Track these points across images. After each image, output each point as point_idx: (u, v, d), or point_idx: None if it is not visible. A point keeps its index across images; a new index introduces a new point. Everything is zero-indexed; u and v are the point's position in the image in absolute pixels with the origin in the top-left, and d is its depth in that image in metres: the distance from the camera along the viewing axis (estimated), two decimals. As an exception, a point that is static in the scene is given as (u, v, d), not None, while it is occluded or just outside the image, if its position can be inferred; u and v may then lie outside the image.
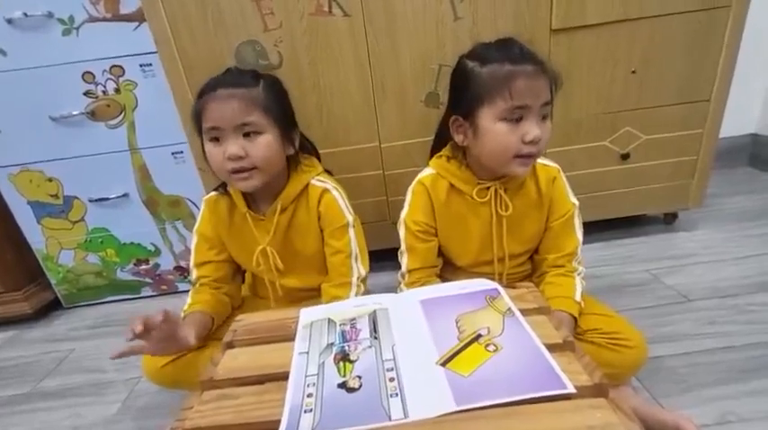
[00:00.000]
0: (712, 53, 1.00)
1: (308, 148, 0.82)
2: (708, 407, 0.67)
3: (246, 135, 0.66)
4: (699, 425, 0.61)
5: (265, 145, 0.67)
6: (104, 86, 1.01)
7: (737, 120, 1.47)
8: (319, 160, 0.82)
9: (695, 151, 1.10)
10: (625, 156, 1.10)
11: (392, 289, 0.61)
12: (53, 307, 1.25)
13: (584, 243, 0.74)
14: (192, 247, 0.79)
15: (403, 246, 0.75)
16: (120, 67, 0.99)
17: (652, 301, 0.94)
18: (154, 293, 1.26)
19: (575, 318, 0.66)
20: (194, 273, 0.78)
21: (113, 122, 1.04)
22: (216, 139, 0.67)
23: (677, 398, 0.69)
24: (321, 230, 0.77)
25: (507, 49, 0.62)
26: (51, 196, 1.11)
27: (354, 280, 0.75)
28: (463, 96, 0.64)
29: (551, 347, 0.42)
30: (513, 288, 0.54)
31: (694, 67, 1.01)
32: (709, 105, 1.05)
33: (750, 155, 1.60)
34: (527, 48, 0.62)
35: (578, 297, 0.69)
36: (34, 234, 1.15)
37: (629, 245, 1.18)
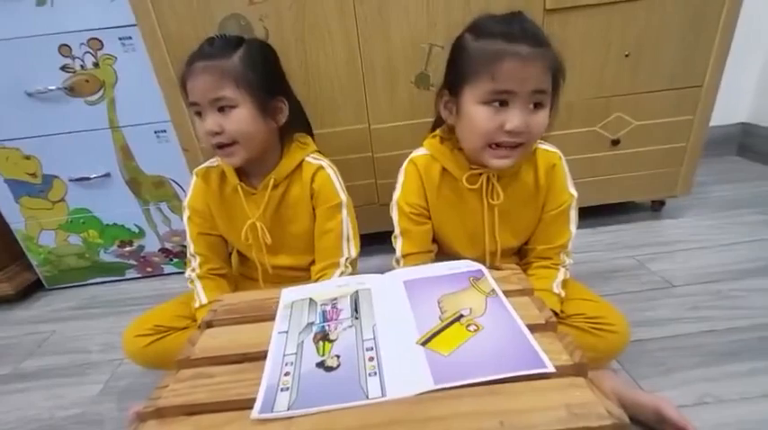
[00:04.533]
0: (707, 38, 0.99)
1: (303, 125, 0.80)
2: (686, 388, 0.68)
3: (222, 109, 0.64)
4: (677, 405, 0.62)
5: (239, 119, 0.65)
6: (82, 60, 0.96)
7: (727, 109, 1.47)
8: (313, 138, 0.80)
9: (685, 138, 1.10)
10: (615, 142, 1.09)
11: (382, 272, 0.60)
12: (35, 288, 1.23)
13: (570, 228, 0.73)
14: (185, 221, 0.77)
15: (397, 230, 0.72)
16: (99, 40, 0.95)
17: (636, 287, 0.95)
18: (139, 275, 1.24)
19: (555, 312, 0.63)
20: (191, 247, 0.76)
21: (92, 98, 1.00)
22: (199, 114, 0.66)
23: (656, 380, 0.70)
24: (314, 209, 0.75)
25: (507, 24, 0.56)
26: (29, 175, 1.07)
27: (343, 260, 0.74)
28: (453, 70, 0.61)
29: (533, 328, 0.41)
30: (498, 269, 0.53)
31: (688, 51, 1.00)
32: (701, 91, 1.04)
33: (739, 144, 1.61)
34: (533, 26, 0.56)
35: (557, 288, 0.66)
36: (13, 213, 1.11)
37: (615, 231, 1.19)
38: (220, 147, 0.66)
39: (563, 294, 0.67)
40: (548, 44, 0.56)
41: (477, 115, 0.57)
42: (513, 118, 0.55)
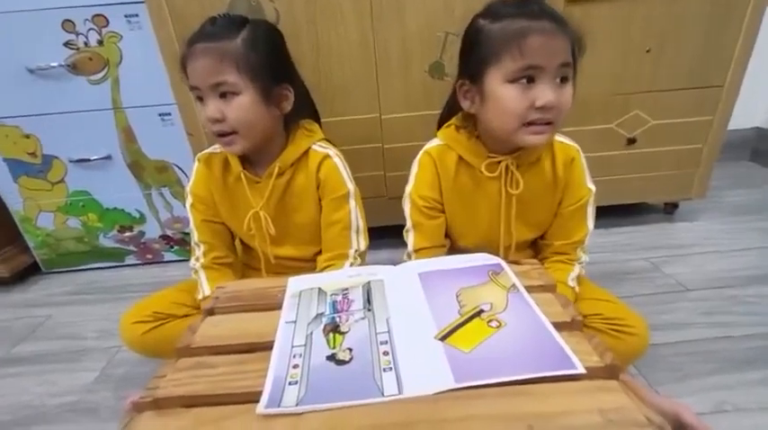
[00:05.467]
0: (730, 37, 0.96)
1: (310, 112, 0.76)
2: (704, 395, 0.66)
3: (223, 95, 0.61)
4: (694, 413, 0.59)
5: (240, 107, 0.61)
6: (86, 37, 0.93)
7: (743, 113, 1.43)
8: (320, 125, 0.77)
9: (702, 139, 1.07)
10: (631, 141, 1.06)
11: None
12: (31, 271, 1.20)
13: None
14: (188, 208, 0.74)
15: (409, 223, 0.70)
16: (104, 16, 0.92)
17: (651, 289, 0.92)
18: (138, 262, 1.21)
19: None
20: (195, 235, 0.73)
21: (96, 77, 0.97)
22: (200, 98, 0.63)
23: (673, 386, 0.68)
24: (320, 199, 0.72)
25: (523, 6, 0.55)
26: (29, 154, 1.04)
27: (352, 252, 0.71)
28: (471, 57, 0.58)
29: (558, 326, 0.39)
30: (518, 264, 0.51)
31: (710, 50, 0.97)
32: (722, 92, 1.01)
33: (753, 149, 1.58)
34: (547, 5, 0.55)
35: (572, 282, 0.65)
36: (11, 194, 1.09)
37: (628, 232, 1.16)
38: (220, 135, 0.63)
39: (577, 289, 0.66)
40: (565, 20, 0.55)
41: (506, 95, 0.55)
42: (544, 93, 0.53)
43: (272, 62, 0.64)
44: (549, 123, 0.56)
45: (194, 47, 0.60)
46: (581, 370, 0.33)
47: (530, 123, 0.56)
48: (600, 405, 0.31)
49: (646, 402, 0.32)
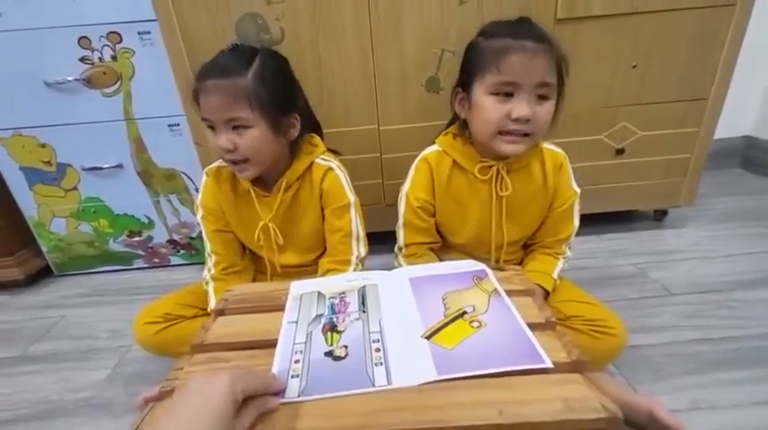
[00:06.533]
0: (714, 51, 1.01)
1: (313, 127, 0.81)
2: (680, 394, 0.70)
3: (235, 128, 0.65)
4: (670, 410, 0.63)
5: (252, 139, 0.65)
6: (101, 53, 0.99)
7: (732, 122, 1.48)
8: (322, 137, 0.82)
9: (689, 149, 1.11)
10: (620, 152, 1.11)
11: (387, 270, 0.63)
12: (44, 274, 1.25)
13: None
14: (199, 220, 0.78)
15: (401, 220, 0.76)
16: (118, 33, 0.97)
17: (636, 293, 0.96)
18: (146, 265, 1.26)
19: (547, 293, 0.70)
20: (208, 246, 0.78)
21: (109, 90, 1.02)
22: (211, 127, 0.67)
23: (652, 385, 0.72)
24: (322, 208, 0.77)
25: (514, 26, 0.62)
26: (44, 163, 1.09)
27: (354, 258, 0.76)
28: (465, 68, 0.66)
29: (533, 326, 0.43)
30: (502, 270, 0.55)
31: (695, 64, 1.02)
32: (707, 104, 1.05)
33: (742, 157, 1.62)
34: (538, 27, 0.61)
35: (555, 274, 0.72)
36: (26, 200, 1.14)
37: (617, 239, 1.20)
38: (234, 163, 0.68)
39: (558, 282, 0.72)
40: (552, 42, 0.60)
41: (486, 105, 0.61)
42: (518, 107, 0.59)
43: (280, 93, 0.68)
44: (525, 135, 0.61)
45: (207, 82, 0.63)
46: (549, 364, 0.38)
47: (507, 133, 0.61)
48: (563, 394, 0.35)
49: (606, 392, 0.36)
